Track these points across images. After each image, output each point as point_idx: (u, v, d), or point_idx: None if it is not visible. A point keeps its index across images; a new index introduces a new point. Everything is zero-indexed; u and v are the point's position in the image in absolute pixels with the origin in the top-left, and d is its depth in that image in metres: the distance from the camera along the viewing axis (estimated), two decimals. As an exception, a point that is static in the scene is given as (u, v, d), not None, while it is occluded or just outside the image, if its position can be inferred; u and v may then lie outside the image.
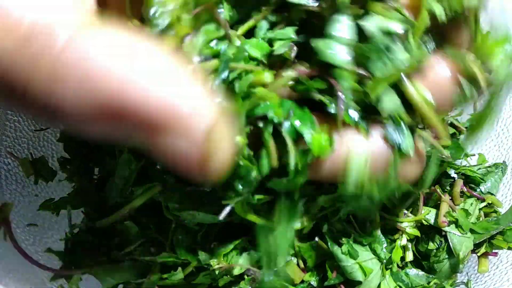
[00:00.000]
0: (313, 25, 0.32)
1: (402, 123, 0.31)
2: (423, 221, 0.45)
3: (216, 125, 0.21)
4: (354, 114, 0.31)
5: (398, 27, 0.31)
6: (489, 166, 0.52)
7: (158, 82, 0.20)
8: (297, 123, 0.29)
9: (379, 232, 0.42)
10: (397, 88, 0.31)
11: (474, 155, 0.56)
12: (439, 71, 0.32)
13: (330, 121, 0.31)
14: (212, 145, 0.21)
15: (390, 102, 0.31)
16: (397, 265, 0.44)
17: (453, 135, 0.53)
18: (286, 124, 0.29)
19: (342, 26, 0.31)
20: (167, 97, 0.20)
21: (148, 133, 0.20)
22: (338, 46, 0.30)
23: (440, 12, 0.31)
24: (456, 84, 0.32)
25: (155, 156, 0.21)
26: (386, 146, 0.31)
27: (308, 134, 0.29)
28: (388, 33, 0.31)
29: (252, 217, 0.34)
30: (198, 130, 0.20)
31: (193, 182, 0.23)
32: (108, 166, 0.48)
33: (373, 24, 0.31)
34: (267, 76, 0.29)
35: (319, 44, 0.30)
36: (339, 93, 0.30)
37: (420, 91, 0.31)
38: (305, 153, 0.30)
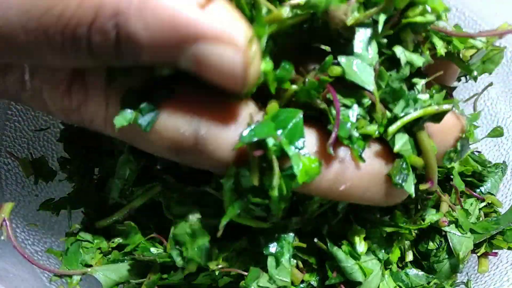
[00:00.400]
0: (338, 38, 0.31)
1: (409, 165, 0.31)
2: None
3: (251, 38, 0.26)
4: (351, 136, 0.30)
5: (419, 61, 0.31)
6: (489, 166, 0.52)
7: (215, 11, 0.26)
8: (288, 145, 0.28)
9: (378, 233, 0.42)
10: (410, 127, 0.31)
11: (476, 150, 0.56)
12: (449, 121, 0.33)
13: (327, 135, 0.30)
14: (250, 54, 0.26)
15: (401, 142, 0.31)
16: (397, 265, 0.44)
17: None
18: (274, 145, 0.27)
19: (370, 47, 0.30)
20: (220, 20, 0.25)
21: (205, 44, 0.25)
22: (363, 66, 0.30)
23: (440, 46, 0.32)
24: (455, 140, 0.33)
25: (204, 68, 0.26)
26: (374, 177, 0.31)
27: (297, 162, 0.28)
28: (411, 65, 0.30)
29: (245, 221, 0.34)
30: (241, 41, 0.26)
31: (234, 90, 0.27)
32: (108, 166, 0.48)
33: (399, 51, 0.31)
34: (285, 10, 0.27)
35: (343, 60, 0.30)
36: (339, 113, 0.30)
37: (430, 138, 0.31)
38: (291, 178, 0.28)
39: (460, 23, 0.55)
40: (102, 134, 0.49)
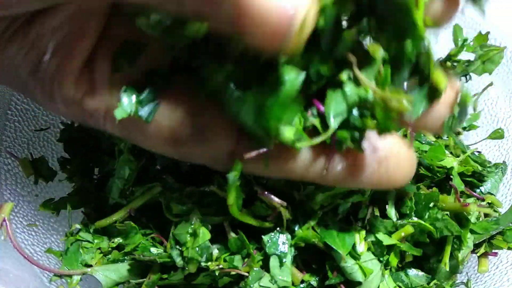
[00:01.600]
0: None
1: None
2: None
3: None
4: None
5: None
6: (489, 166, 0.52)
7: None
8: None
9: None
10: None
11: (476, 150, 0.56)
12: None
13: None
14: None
15: None
16: (397, 265, 0.44)
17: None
18: None
19: None
20: None
21: None
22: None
23: None
24: (451, 105, 0.31)
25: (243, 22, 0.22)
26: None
27: None
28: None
29: (247, 219, 0.34)
30: None
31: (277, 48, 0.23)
32: (108, 166, 0.49)
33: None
34: None
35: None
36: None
37: None
38: None
39: (460, 23, 0.55)
40: (102, 134, 0.49)
